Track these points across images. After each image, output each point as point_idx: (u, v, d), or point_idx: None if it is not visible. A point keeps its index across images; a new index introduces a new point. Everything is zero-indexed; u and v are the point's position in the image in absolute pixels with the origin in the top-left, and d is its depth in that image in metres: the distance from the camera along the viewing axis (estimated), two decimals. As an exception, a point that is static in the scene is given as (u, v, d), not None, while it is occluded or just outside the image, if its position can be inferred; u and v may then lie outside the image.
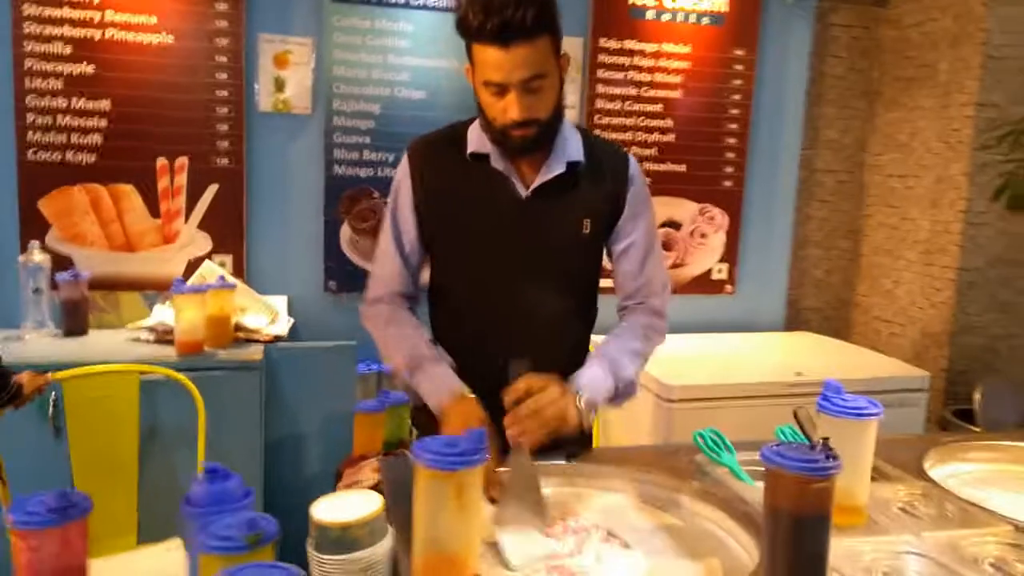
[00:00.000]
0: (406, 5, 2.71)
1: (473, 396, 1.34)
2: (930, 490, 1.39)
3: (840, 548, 1.13)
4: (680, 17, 2.99)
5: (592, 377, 1.39)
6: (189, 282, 2.41)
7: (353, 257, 2.79)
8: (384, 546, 1.09)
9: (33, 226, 2.50)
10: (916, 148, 3.12)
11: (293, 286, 2.77)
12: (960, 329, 2.93)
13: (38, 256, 2.39)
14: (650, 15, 2.95)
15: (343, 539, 1.06)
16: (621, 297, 1.56)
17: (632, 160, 1.51)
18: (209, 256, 2.65)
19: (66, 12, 2.46)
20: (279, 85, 2.68)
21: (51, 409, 2.12)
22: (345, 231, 2.78)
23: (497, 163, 1.40)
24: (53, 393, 2.08)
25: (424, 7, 2.73)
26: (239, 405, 2.25)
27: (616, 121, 2.97)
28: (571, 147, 1.42)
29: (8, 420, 1.88)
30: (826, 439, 1.10)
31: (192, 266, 2.61)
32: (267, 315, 2.55)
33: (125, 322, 2.56)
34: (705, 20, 3.01)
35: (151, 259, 2.61)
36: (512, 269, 1.43)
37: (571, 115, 2.81)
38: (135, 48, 2.52)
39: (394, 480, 1.33)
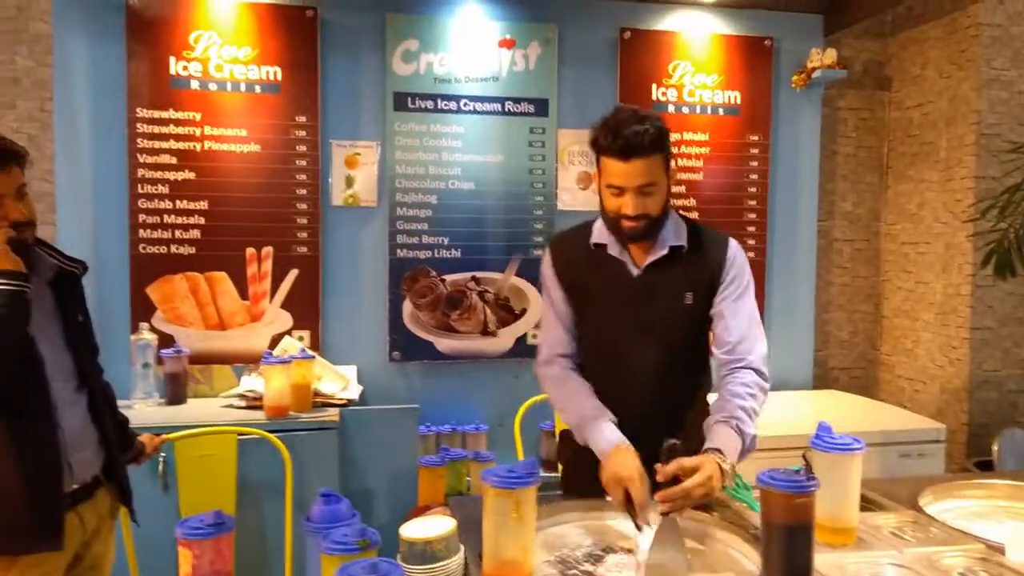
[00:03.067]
0: (457, 111, 3.13)
1: (631, 448, 1.59)
2: (919, 518, 1.62)
3: (829, 560, 1.38)
4: (698, 109, 3.35)
5: (726, 439, 1.58)
6: (274, 354, 2.78)
7: (414, 329, 3.14)
8: (458, 559, 1.37)
9: (142, 309, 2.92)
10: (925, 217, 3.38)
11: (362, 356, 3.12)
12: (977, 385, 3.12)
13: (147, 335, 2.78)
14: (671, 109, 3.33)
15: (426, 552, 1.35)
16: (723, 359, 1.75)
17: (732, 241, 1.81)
18: (289, 332, 3.02)
19: (171, 129, 2.93)
20: (349, 182, 3.09)
21: (161, 467, 2.47)
22: (407, 306, 3.14)
23: (613, 250, 1.76)
24: (163, 454, 2.42)
25: (473, 112, 3.14)
26: (319, 461, 2.57)
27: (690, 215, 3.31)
28: (674, 234, 1.75)
29: (131, 474, 2.21)
30: (808, 465, 1.37)
31: (275, 341, 2.98)
32: (340, 382, 2.89)
33: (217, 391, 2.93)
34: (721, 111, 3.37)
35: (240, 336, 3.00)
36: (628, 333, 1.76)
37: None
38: (228, 157, 2.97)
39: (462, 513, 1.62)
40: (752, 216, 3.42)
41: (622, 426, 1.66)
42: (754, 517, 1.58)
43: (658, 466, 1.45)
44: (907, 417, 3.05)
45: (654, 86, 3.31)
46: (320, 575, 1.24)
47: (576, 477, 1.80)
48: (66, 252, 1.88)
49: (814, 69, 3.33)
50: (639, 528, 1.46)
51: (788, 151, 3.47)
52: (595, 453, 1.66)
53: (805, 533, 1.28)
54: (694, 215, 3.36)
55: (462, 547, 1.40)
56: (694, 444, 1.57)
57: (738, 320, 1.76)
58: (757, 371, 1.75)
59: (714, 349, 1.80)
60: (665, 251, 1.74)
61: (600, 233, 1.78)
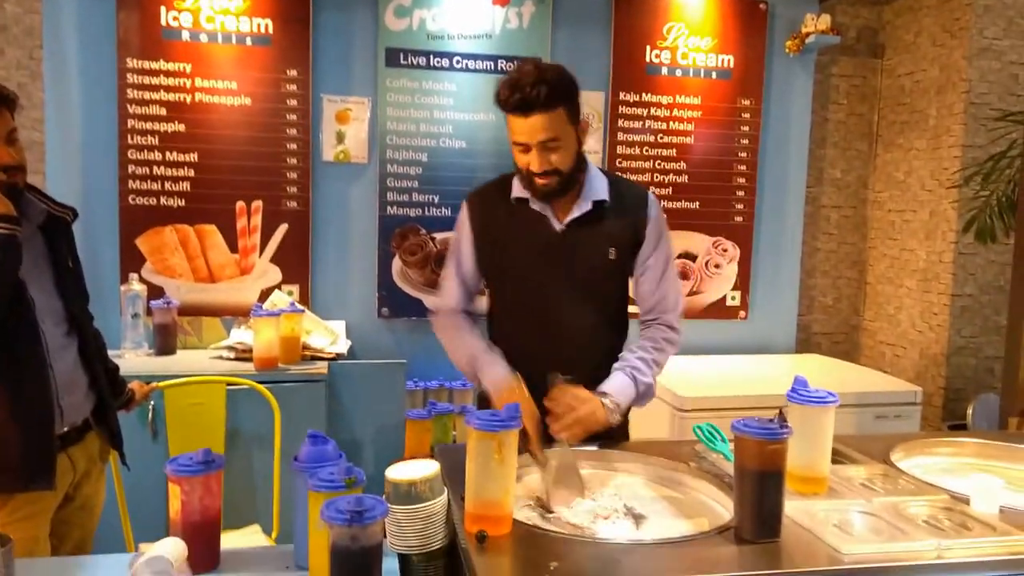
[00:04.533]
0: (450, 68, 3.12)
1: (522, 384, 1.66)
2: (889, 471, 1.67)
3: (800, 507, 1.43)
4: (691, 73, 3.35)
5: (618, 384, 1.71)
6: (264, 307, 2.80)
7: (403, 286, 3.16)
8: (442, 500, 1.41)
9: (131, 260, 2.92)
10: (912, 185, 3.42)
11: (351, 312, 3.14)
12: (955, 351, 3.19)
13: (136, 286, 2.79)
14: (664, 71, 3.32)
15: (410, 493, 1.38)
16: (641, 314, 1.87)
17: (651, 196, 1.84)
18: (279, 286, 3.04)
19: (162, 80, 2.91)
20: (340, 138, 3.09)
21: (150, 415, 2.50)
22: (396, 263, 3.16)
23: (535, 205, 1.75)
24: (152, 401, 2.45)
25: (465, 69, 3.13)
26: (307, 413, 2.61)
27: (635, 164, 3.32)
28: (597, 188, 1.76)
29: (120, 421, 2.25)
30: (782, 416, 1.41)
31: (264, 295, 3.00)
32: (329, 337, 2.91)
33: (207, 343, 2.95)
34: (714, 75, 3.37)
35: (229, 289, 3.02)
36: (551, 291, 1.77)
37: (595, 160, 3.17)
38: (218, 109, 2.96)
39: (447, 460, 1.67)
40: (741, 181, 3.44)
41: (543, 388, 1.64)
42: (728, 467, 1.63)
43: (548, 397, 1.57)
44: (884, 380, 3.11)
45: (648, 48, 3.30)
46: (307, 512, 1.28)
47: None
48: (68, 204, 1.89)
49: (808, 34, 3.33)
50: (538, 462, 1.55)
51: (779, 117, 3.48)
52: (487, 389, 1.72)
53: (776, 479, 1.32)
54: (684, 179, 3.38)
55: (446, 489, 1.44)
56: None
57: (660, 279, 1.83)
58: (669, 326, 1.83)
59: (638, 305, 1.87)
60: (588, 206, 1.75)
61: (520, 188, 1.76)
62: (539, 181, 1.67)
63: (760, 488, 1.33)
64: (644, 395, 1.77)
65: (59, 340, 1.78)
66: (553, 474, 1.51)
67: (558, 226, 1.76)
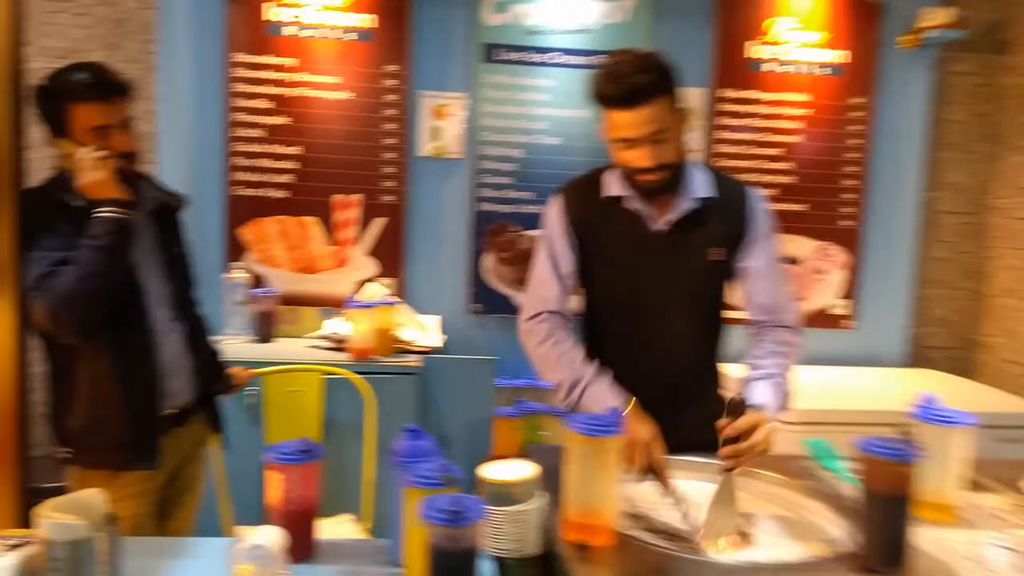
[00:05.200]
0: (547, 64, 3.08)
1: (639, 407, 1.54)
2: (1021, 500, 1.53)
3: (929, 536, 1.32)
4: (798, 68, 3.19)
5: (768, 397, 1.56)
6: (359, 299, 2.83)
7: (494, 283, 3.14)
8: (538, 504, 1.37)
9: (235, 249, 3.01)
10: (1042, 191, 3.15)
11: (443, 307, 3.15)
12: (1089, 371, 2.92)
13: (239, 274, 2.88)
14: (768, 67, 3.18)
15: (506, 494, 1.35)
16: (753, 318, 1.72)
17: (754, 192, 1.72)
18: (374, 279, 3.07)
19: (268, 74, 2.98)
20: (436, 134, 3.09)
21: (248, 400, 2.56)
22: (488, 260, 3.14)
23: (632, 203, 1.66)
24: (253, 387, 2.50)
25: (563, 65, 3.08)
26: (399, 405, 2.62)
27: (737, 164, 3.19)
28: (698, 185, 1.66)
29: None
30: (910, 434, 1.30)
31: (359, 287, 3.03)
32: (421, 330, 2.92)
33: (304, 332, 3.01)
34: (822, 71, 3.20)
35: (327, 280, 3.07)
36: (648, 296, 1.68)
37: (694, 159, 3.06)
38: (322, 103, 3.01)
39: (541, 461, 1.62)
40: (850, 183, 3.25)
41: (637, 395, 1.56)
42: (843, 487, 1.53)
43: (722, 422, 1.44)
44: (1006, 399, 2.88)
45: (752, 42, 3.16)
46: (403, 508, 1.26)
47: None
48: (178, 192, 1.95)
49: (927, 28, 3.12)
50: (666, 494, 1.44)
51: (893, 116, 3.28)
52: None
53: (906, 505, 1.22)
54: (789, 179, 3.22)
55: (543, 493, 1.39)
56: (710, 412, 1.52)
57: (770, 278, 1.70)
58: (790, 329, 1.70)
59: (745, 307, 1.74)
60: (691, 204, 1.64)
61: (615, 185, 1.66)
62: (647, 177, 1.57)
63: (889, 513, 1.22)
64: (782, 409, 1.63)
65: (166, 324, 1.83)
66: (714, 506, 1.39)
67: (656, 226, 1.67)
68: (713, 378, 1.80)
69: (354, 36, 3.00)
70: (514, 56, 3.06)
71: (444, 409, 2.78)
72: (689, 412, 1.65)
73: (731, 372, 1.83)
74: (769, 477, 1.56)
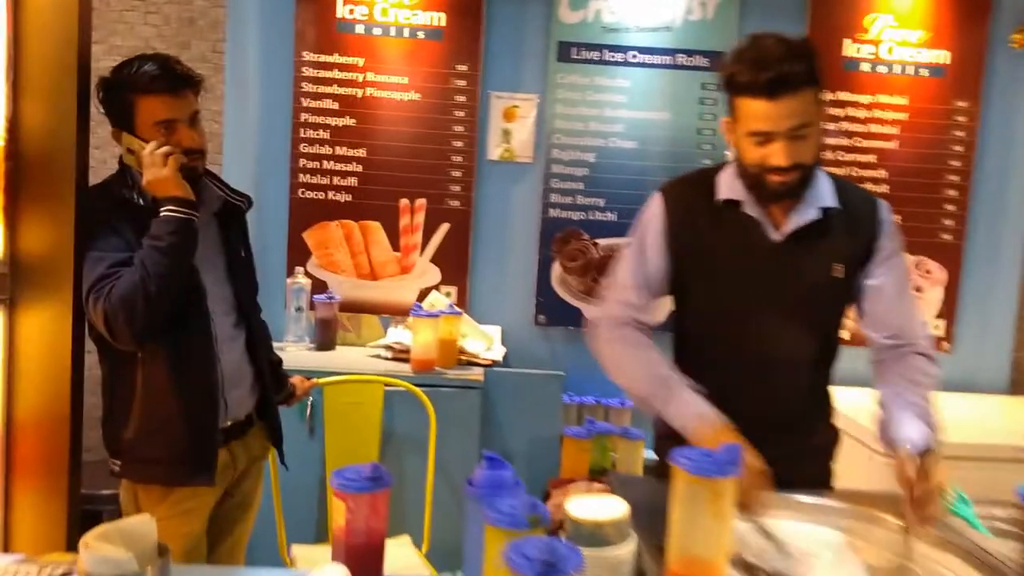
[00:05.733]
0: (624, 63, 2.92)
1: (729, 425, 1.38)
2: None
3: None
4: (897, 69, 2.96)
5: (922, 434, 1.39)
6: (423, 307, 2.71)
7: (562, 293, 2.99)
8: (630, 547, 1.21)
9: (298, 254, 2.94)
10: None
11: (507, 317, 3.01)
12: None
13: (301, 279, 2.80)
14: (865, 67, 2.96)
15: (595, 535, 1.19)
16: (879, 341, 1.55)
17: (883, 204, 1.55)
18: (437, 287, 2.95)
19: (335, 74, 2.90)
20: (505, 136, 2.97)
21: (308, 411, 2.47)
22: (556, 269, 2.99)
23: (750, 209, 1.49)
24: (312, 397, 2.41)
25: (641, 64, 2.92)
26: (462, 419, 2.49)
27: (828, 170, 2.97)
28: (823, 193, 1.49)
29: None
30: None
31: (423, 295, 2.93)
32: (484, 341, 2.79)
33: (364, 341, 2.91)
34: (924, 72, 2.97)
35: (389, 287, 2.96)
36: (762, 314, 1.50)
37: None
38: (388, 104, 2.91)
39: (626, 494, 1.46)
40: (951, 193, 3.01)
41: (741, 425, 1.37)
42: (976, 536, 1.33)
43: (906, 472, 1.29)
44: None
45: (847, 41, 2.95)
46: (480, 544, 1.12)
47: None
48: (244, 192, 1.86)
49: (1044, 26, 2.86)
50: (769, 538, 1.26)
51: (1001, 121, 3.02)
52: (674, 423, 1.41)
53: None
54: (884, 188, 2.99)
55: (635, 534, 1.24)
56: (820, 445, 1.37)
57: (900, 298, 1.53)
58: (925, 355, 1.52)
59: (869, 330, 1.55)
60: (815, 213, 1.47)
61: (731, 187, 1.49)
62: (776, 178, 1.40)
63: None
64: (935, 443, 1.45)
65: (228, 331, 1.74)
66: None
67: (776, 236, 1.49)
68: (825, 407, 1.62)
69: (423, 35, 2.89)
70: (590, 55, 2.92)
71: (507, 426, 2.64)
72: (797, 445, 1.47)
73: (840, 397, 1.66)
74: (890, 523, 1.37)
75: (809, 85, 1.36)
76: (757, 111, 1.37)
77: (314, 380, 2.21)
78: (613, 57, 2.92)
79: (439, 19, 2.88)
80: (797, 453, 1.43)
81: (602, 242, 2.99)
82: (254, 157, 2.94)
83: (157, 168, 1.57)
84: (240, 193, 1.84)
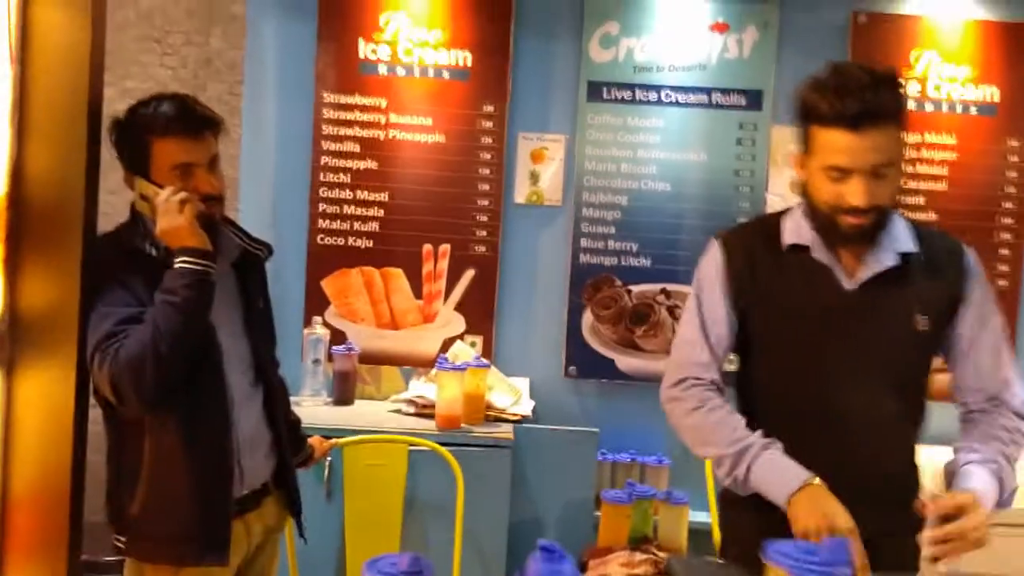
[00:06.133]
0: (658, 102, 2.81)
1: (828, 490, 1.25)
2: None
3: None
4: (945, 107, 2.83)
5: (985, 484, 1.29)
6: (448, 359, 2.56)
7: (593, 343, 2.83)
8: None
9: (316, 303, 2.80)
10: None
11: (535, 369, 2.85)
12: None
13: (320, 330, 2.65)
14: (912, 105, 2.83)
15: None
16: (968, 398, 1.43)
17: (969, 250, 1.42)
18: (461, 336, 2.80)
19: (357, 115, 2.79)
20: (534, 178, 2.84)
21: (326, 473, 2.30)
22: (587, 317, 2.84)
23: (819, 254, 1.37)
24: (329, 459, 2.25)
25: (675, 104, 2.81)
26: (491, 482, 2.32)
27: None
28: (900, 237, 1.37)
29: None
30: None
31: (446, 345, 2.77)
32: (512, 395, 2.63)
33: (384, 394, 2.75)
34: (973, 110, 2.83)
35: (411, 337, 2.81)
36: (836, 369, 1.37)
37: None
38: (412, 147, 2.80)
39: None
40: (1006, 237, 2.85)
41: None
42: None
43: (926, 500, 1.22)
44: None
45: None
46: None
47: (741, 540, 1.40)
48: (263, 240, 1.75)
49: (1097, 61, 2.73)
50: None
51: (1056, 161, 2.88)
52: (766, 492, 1.28)
53: None
54: (934, 231, 2.84)
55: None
56: (905, 520, 1.24)
57: (993, 352, 1.39)
58: (1018, 414, 1.38)
59: (958, 388, 1.43)
60: (893, 259, 1.35)
61: (797, 231, 1.39)
62: (851, 220, 1.29)
63: None
64: (1004, 504, 1.33)
65: (245, 391, 1.60)
66: None
67: (849, 284, 1.37)
68: (913, 474, 1.46)
69: (448, 75, 2.79)
70: (621, 94, 2.80)
71: (538, 488, 2.47)
72: (883, 516, 1.30)
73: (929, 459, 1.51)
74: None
75: (895, 120, 1.27)
76: (837, 144, 1.25)
77: (333, 441, 2.06)
78: (646, 96, 2.80)
79: (465, 59, 2.78)
80: (884, 527, 1.27)
81: (635, 289, 2.84)
82: (271, 202, 2.82)
83: (172, 216, 1.45)
84: (260, 241, 1.72)
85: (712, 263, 1.46)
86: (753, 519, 1.33)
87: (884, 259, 1.35)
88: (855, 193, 1.25)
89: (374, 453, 2.22)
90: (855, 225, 1.29)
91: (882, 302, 1.36)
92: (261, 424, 1.63)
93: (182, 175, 1.50)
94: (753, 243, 1.45)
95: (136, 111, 1.52)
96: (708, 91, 2.80)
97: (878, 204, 1.27)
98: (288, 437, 1.77)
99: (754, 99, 2.81)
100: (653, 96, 2.81)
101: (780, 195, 2.85)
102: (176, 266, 1.43)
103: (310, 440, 1.95)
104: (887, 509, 1.34)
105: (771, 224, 1.44)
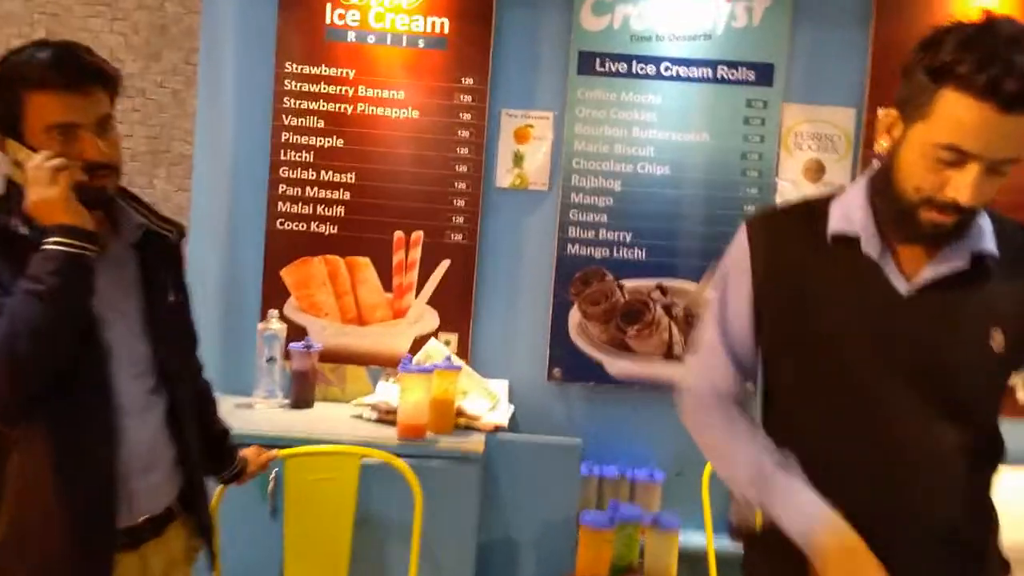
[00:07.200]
0: (657, 76, 2.52)
1: (857, 536, 1.01)
2: None
3: None
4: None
5: None
6: (415, 360, 2.30)
7: (581, 343, 2.56)
8: None
9: (275, 294, 2.53)
10: None
11: (516, 370, 2.58)
12: None
13: (275, 325, 2.40)
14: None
15: None
16: None
17: None
18: (435, 334, 2.54)
19: (321, 87, 2.53)
20: (518, 160, 2.57)
21: (271, 485, 2.05)
22: (574, 315, 2.56)
23: (870, 248, 1.09)
24: (275, 471, 2.00)
25: (676, 78, 2.52)
26: (456, 499, 2.07)
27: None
28: (978, 234, 1.08)
29: (227, 494, 1.81)
30: None
31: (418, 344, 2.51)
32: (488, 399, 2.37)
33: (349, 396, 2.49)
34: None
35: (379, 333, 2.55)
36: (888, 391, 1.09)
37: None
38: (381, 122, 2.53)
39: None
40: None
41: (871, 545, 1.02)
42: None
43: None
44: None
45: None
46: None
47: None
48: (174, 219, 1.49)
49: None
50: None
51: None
52: (786, 528, 1.06)
53: None
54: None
55: None
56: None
57: None
58: None
59: None
60: (962, 261, 1.07)
61: (847, 217, 1.11)
62: (937, 218, 1.01)
63: None
64: None
65: (139, 400, 1.35)
66: None
67: (904, 287, 1.09)
68: (986, 523, 1.17)
69: (423, 44, 2.52)
70: (616, 67, 2.51)
71: (512, 507, 2.20)
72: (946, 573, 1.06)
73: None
74: None
75: None
76: (972, 120, 0.96)
77: (272, 452, 1.80)
78: (643, 69, 2.51)
79: (442, 25, 2.51)
80: None
81: (629, 283, 2.56)
82: (228, 184, 2.56)
83: (44, 187, 1.19)
84: (169, 219, 1.46)
85: (737, 253, 1.20)
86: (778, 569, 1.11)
87: (953, 259, 1.07)
88: (963, 187, 0.97)
89: (322, 465, 1.96)
90: (939, 224, 1.01)
91: (948, 312, 1.08)
92: (161, 437, 1.38)
93: (62, 137, 1.24)
94: (789, 230, 1.17)
95: (7, 59, 1.26)
96: (713, 64, 2.51)
97: (980, 205, 1.00)
98: (208, 449, 1.54)
99: (764, 73, 2.51)
100: (651, 69, 2.52)
101: (792, 181, 2.55)
102: (43, 248, 1.18)
103: (244, 452, 1.71)
104: (951, 565, 1.08)
105: (816, 209, 1.16)
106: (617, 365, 2.56)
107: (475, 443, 2.12)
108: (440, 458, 2.07)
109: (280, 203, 2.54)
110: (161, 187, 2.66)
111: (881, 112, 1.10)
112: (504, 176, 2.57)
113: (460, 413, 2.26)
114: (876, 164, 1.15)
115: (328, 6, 2.51)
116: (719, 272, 1.24)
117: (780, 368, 1.19)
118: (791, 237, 1.16)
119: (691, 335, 2.48)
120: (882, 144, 1.11)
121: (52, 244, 1.18)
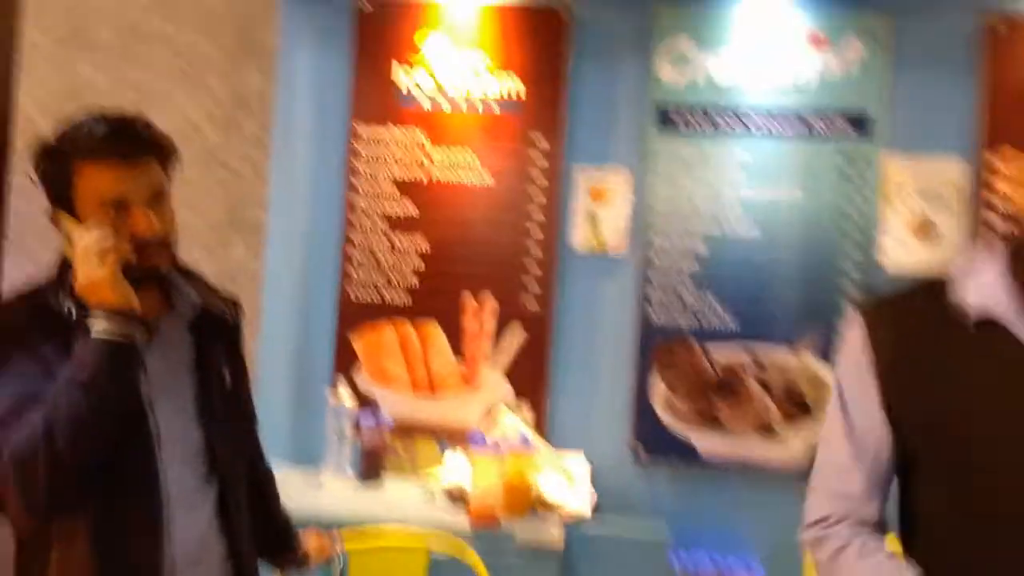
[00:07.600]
0: (743, 132, 2.37)
1: None
2: None
3: None
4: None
5: None
6: (488, 434, 2.15)
7: (667, 419, 2.37)
8: None
9: (345, 361, 2.46)
10: None
11: (596, 447, 2.40)
12: None
13: (345, 399, 2.31)
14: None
15: None
16: None
17: None
18: (509, 406, 2.39)
19: (393, 151, 2.48)
20: (593, 221, 2.45)
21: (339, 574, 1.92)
22: (660, 388, 2.38)
23: (1019, 328, 0.91)
24: (341, 563, 1.88)
25: (766, 133, 2.36)
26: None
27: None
28: None
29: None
30: None
31: (488, 415, 2.37)
32: (567, 481, 2.19)
33: (419, 468, 2.37)
34: None
35: (451, 405, 2.43)
36: None
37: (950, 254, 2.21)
38: (454, 188, 2.46)
39: None
40: None
41: None
42: None
43: None
44: None
45: (1036, 98, 2.30)
46: None
47: None
48: (231, 296, 1.42)
49: None
50: None
51: None
52: None
53: None
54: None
55: None
56: None
57: None
58: None
59: None
60: None
61: (993, 294, 0.93)
62: None
63: None
64: None
65: (189, 490, 1.24)
66: None
67: None
68: None
69: (497, 107, 2.45)
70: (698, 121, 2.38)
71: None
72: None
73: None
74: None
75: None
76: None
77: (336, 546, 1.67)
78: (727, 124, 2.37)
79: (516, 92, 2.43)
80: None
81: (717, 353, 2.37)
82: (301, 252, 2.53)
83: (91, 266, 1.12)
84: (225, 297, 1.38)
85: (854, 348, 1.02)
86: None
87: None
88: None
89: (389, 559, 1.81)
90: None
91: None
92: (211, 531, 1.27)
93: (114, 212, 1.17)
94: (910, 314, 1.00)
95: (64, 130, 1.22)
96: (804, 116, 2.35)
97: None
98: (271, 539, 1.45)
99: (862, 125, 2.33)
100: (737, 124, 2.37)
101: (898, 240, 2.33)
102: (89, 332, 1.10)
103: (307, 540, 1.59)
104: None
105: (934, 289, 0.98)
106: (707, 442, 2.35)
107: (554, 535, 1.94)
108: (516, 553, 1.89)
109: (352, 270, 2.48)
110: (238, 255, 2.64)
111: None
112: (579, 238, 2.46)
113: (540, 501, 2.09)
114: (999, 222, 0.96)
115: (401, 72, 2.48)
116: (837, 372, 1.06)
117: (919, 482, 0.99)
118: (916, 320, 0.98)
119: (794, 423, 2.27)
120: None
121: (97, 329, 1.11)
